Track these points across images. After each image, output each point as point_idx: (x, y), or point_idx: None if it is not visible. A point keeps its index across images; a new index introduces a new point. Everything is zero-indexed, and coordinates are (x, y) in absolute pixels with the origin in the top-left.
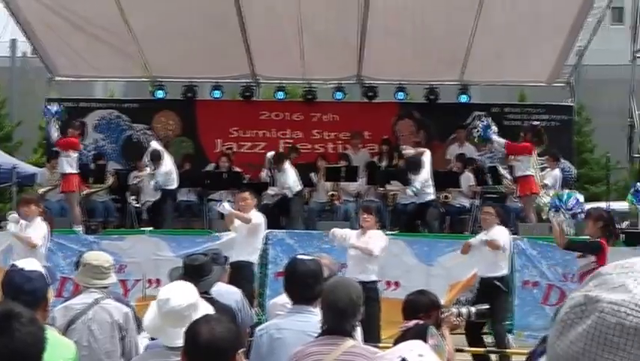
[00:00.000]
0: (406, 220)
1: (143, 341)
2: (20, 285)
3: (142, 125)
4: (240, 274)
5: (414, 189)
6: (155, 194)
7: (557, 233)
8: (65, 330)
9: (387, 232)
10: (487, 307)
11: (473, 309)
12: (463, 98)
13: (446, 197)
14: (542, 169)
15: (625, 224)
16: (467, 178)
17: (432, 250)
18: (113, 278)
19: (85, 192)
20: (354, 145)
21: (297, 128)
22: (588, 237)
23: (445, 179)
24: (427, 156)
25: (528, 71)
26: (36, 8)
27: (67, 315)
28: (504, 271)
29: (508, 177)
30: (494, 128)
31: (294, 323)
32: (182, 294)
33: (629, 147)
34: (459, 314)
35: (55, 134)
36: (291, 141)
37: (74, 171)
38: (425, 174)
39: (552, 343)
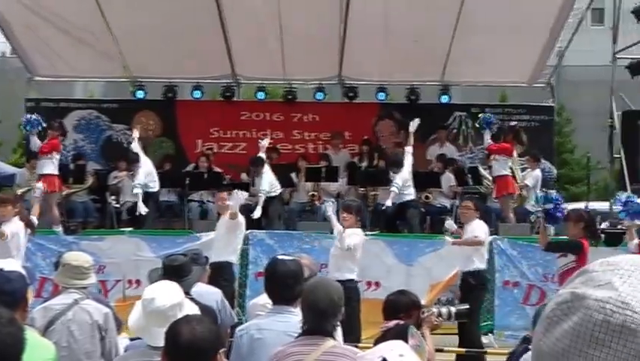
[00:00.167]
0: (386, 220)
1: (122, 341)
2: None
3: (122, 125)
4: (220, 275)
5: (395, 188)
6: (135, 195)
7: (541, 233)
8: (45, 331)
9: (368, 233)
10: (467, 307)
11: (453, 309)
12: (444, 99)
13: (427, 197)
14: (523, 170)
15: (604, 224)
16: (448, 178)
17: (412, 250)
18: (92, 279)
19: (65, 193)
20: (334, 145)
21: (277, 129)
22: (568, 238)
23: (425, 179)
24: (408, 155)
25: (509, 71)
26: (15, 8)
27: (47, 316)
28: (478, 265)
29: (489, 177)
30: (494, 128)
31: (274, 324)
32: (167, 294)
33: (610, 148)
34: (439, 314)
35: (37, 143)
36: (272, 141)
37: (56, 172)
38: (406, 173)
39: (537, 340)
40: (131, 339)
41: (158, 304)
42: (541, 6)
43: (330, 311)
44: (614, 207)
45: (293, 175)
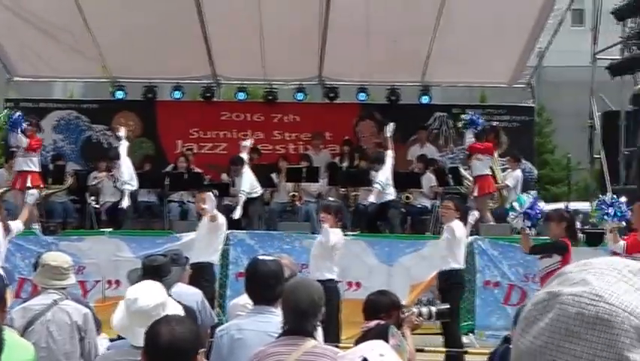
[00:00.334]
0: (367, 221)
1: (102, 342)
2: None
3: (101, 125)
4: (202, 275)
5: (379, 186)
6: (115, 195)
7: (524, 238)
8: (24, 331)
9: (349, 233)
10: (448, 306)
11: (434, 309)
12: (425, 99)
13: (407, 197)
14: (503, 170)
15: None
16: (428, 179)
17: (393, 251)
18: (72, 279)
19: (44, 193)
20: (315, 146)
21: (258, 129)
22: (550, 239)
23: (406, 180)
24: (388, 158)
25: (489, 72)
26: None
27: (26, 316)
28: (453, 265)
29: (469, 177)
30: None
31: (255, 324)
32: (151, 293)
33: (590, 148)
34: (420, 314)
35: (24, 140)
36: (254, 141)
37: (37, 169)
38: (387, 172)
39: (516, 340)
40: (111, 340)
41: (141, 303)
42: (521, 7)
43: (310, 311)
44: (597, 209)
45: (273, 176)
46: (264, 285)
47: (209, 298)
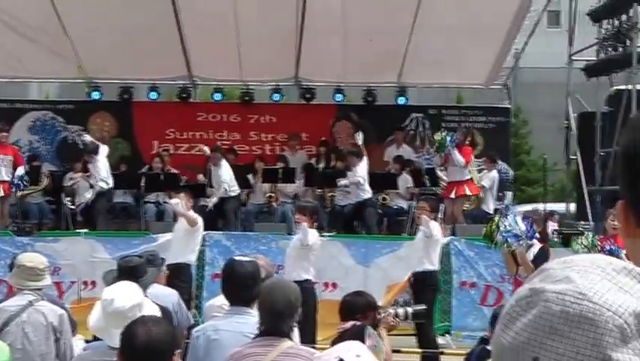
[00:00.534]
0: (344, 222)
1: (77, 343)
2: None
3: (77, 126)
4: (178, 276)
5: (360, 179)
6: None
7: (526, 264)
8: None
9: (325, 234)
10: (424, 307)
11: (410, 310)
12: (401, 100)
13: (384, 198)
14: (479, 171)
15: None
16: (405, 180)
17: (369, 252)
18: (47, 280)
19: (19, 194)
20: (291, 147)
21: (234, 130)
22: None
23: (382, 180)
24: (363, 163)
25: (465, 73)
26: None
27: (1, 317)
28: (427, 266)
29: (445, 178)
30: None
31: (231, 325)
32: (127, 295)
33: (566, 149)
34: (396, 315)
35: None
36: (229, 142)
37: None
38: (362, 170)
39: (498, 336)
40: (87, 341)
41: (117, 304)
42: (497, 8)
43: (287, 312)
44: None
45: (250, 176)
46: (241, 286)
47: (186, 298)
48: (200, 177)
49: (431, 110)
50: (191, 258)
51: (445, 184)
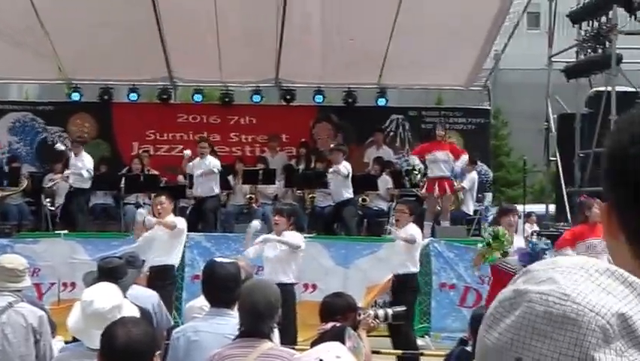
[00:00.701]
0: (324, 223)
1: (57, 344)
2: None
3: (57, 127)
4: (164, 278)
5: (346, 173)
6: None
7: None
8: None
9: (305, 235)
10: (404, 308)
11: (390, 311)
12: (381, 102)
13: (364, 200)
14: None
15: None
16: (385, 181)
17: (349, 253)
18: (27, 281)
19: None
20: (271, 148)
21: (214, 131)
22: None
23: (362, 182)
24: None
25: (445, 74)
26: None
27: None
28: (411, 269)
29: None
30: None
31: (211, 326)
32: (107, 296)
33: (546, 151)
34: (376, 316)
35: None
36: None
37: None
38: (348, 166)
39: (481, 336)
40: (66, 342)
41: (97, 306)
42: (477, 10)
43: (267, 313)
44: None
45: (230, 178)
46: (222, 287)
47: (170, 300)
48: (181, 178)
49: (411, 111)
50: (176, 260)
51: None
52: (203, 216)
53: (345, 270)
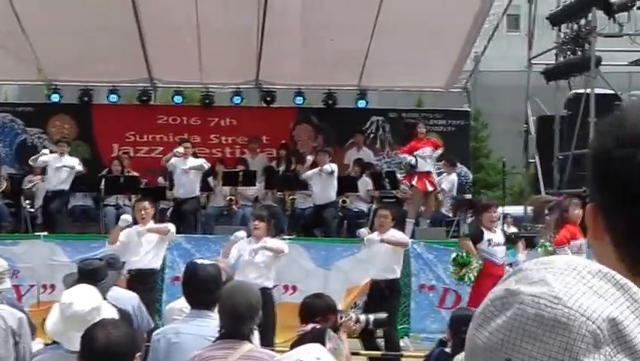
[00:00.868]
0: (304, 225)
1: (36, 346)
2: None
3: (36, 129)
4: (149, 281)
5: (329, 168)
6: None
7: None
8: None
9: (285, 237)
10: (386, 315)
11: (372, 317)
12: (361, 103)
13: (344, 201)
14: (439, 174)
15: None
16: (365, 183)
17: (329, 254)
18: (7, 283)
19: None
20: (251, 150)
21: (194, 133)
22: None
23: (343, 183)
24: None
25: (425, 76)
26: None
27: None
28: (397, 274)
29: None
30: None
31: (192, 328)
32: (85, 298)
33: (525, 152)
34: (357, 320)
35: None
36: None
37: None
38: (334, 166)
39: (471, 335)
40: (46, 344)
41: (76, 308)
42: (457, 12)
43: (247, 315)
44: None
45: (210, 179)
46: (203, 289)
47: (153, 303)
48: (160, 179)
49: (391, 113)
50: (159, 264)
51: (405, 187)
52: (183, 218)
53: (326, 271)
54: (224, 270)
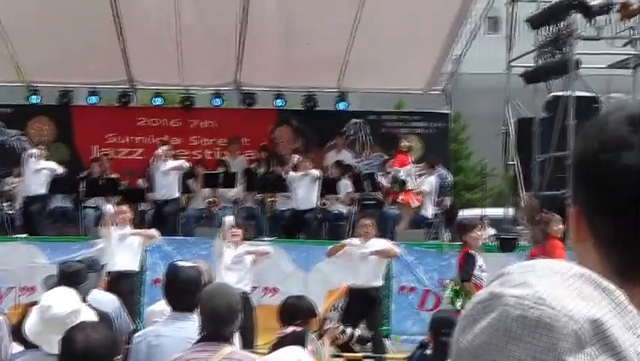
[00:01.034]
0: (284, 227)
1: (16, 349)
2: None
3: (16, 130)
4: (129, 284)
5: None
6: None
7: None
8: None
9: (265, 239)
10: (371, 335)
11: (357, 333)
12: (341, 106)
13: (324, 204)
14: (419, 176)
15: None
16: (345, 185)
17: (309, 256)
18: None
19: None
20: (232, 151)
21: (174, 135)
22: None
23: (322, 186)
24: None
25: (405, 78)
26: None
27: None
28: (380, 282)
29: (385, 184)
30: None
31: (173, 330)
32: (64, 301)
33: (505, 154)
34: (343, 331)
35: None
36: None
37: None
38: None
39: (456, 338)
40: (25, 347)
41: (55, 311)
42: (437, 14)
43: (228, 317)
44: None
45: (190, 181)
46: (184, 291)
47: (134, 306)
48: (140, 181)
49: (371, 115)
50: (138, 265)
51: (386, 188)
52: (163, 220)
53: (306, 273)
54: (205, 272)
